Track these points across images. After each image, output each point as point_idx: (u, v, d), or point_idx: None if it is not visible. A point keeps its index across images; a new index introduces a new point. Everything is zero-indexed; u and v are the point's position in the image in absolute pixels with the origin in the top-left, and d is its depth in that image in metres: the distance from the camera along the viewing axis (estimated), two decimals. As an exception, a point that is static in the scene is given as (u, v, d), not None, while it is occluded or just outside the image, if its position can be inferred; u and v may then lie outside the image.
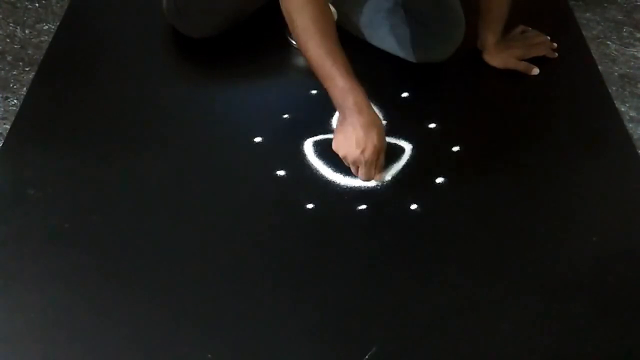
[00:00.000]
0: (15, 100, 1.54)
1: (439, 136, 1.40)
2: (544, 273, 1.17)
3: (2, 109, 1.52)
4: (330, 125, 1.39)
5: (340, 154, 1.26)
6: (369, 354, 1.05)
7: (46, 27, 1.75)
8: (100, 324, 1.09)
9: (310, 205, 1.26)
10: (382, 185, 1.28)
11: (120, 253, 1.19)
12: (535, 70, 1.51)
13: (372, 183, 1.28)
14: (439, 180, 1.30)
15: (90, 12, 1.72)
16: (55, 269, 1.16)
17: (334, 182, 1.29)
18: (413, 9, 1.48)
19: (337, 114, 1.37)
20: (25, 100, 1.48)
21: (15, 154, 1.36)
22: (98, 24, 1.68)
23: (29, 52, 1.68)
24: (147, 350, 1.06)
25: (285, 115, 1.43)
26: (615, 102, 1.51)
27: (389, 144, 1.30)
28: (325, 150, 1.33)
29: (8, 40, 1.72)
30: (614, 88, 1.56)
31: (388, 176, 1.30)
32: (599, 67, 1.58)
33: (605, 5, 1.82)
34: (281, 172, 1.31)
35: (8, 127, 1.43)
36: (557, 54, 1.55)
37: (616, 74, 1.62)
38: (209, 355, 1.05)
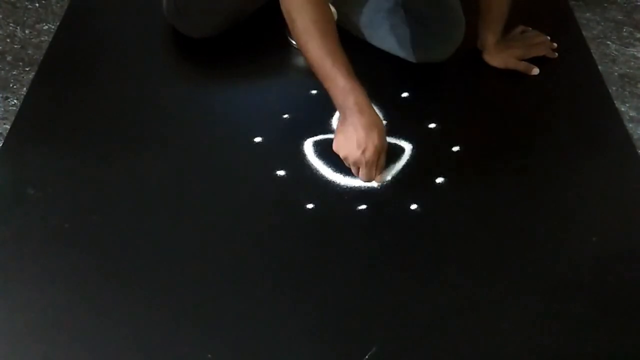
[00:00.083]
0: (15, 100, 1.54)
1: (439, 136, 1.40)
2: (544, 273, 1.17)
3: (2, 109, 1.52)
4: (330, 125, 1.39)
5: (341, 154, 1.26)
6: (369, 354, 1.05)
7: (46, 27, 1.75)
8: (100, 324, 1.09)
9: (310, 205, 1.26)
10: (382, 185, 1.28)
11: (120, 253, 1.19)
12: (535, 70, 1.51)
13: (372, 183, 1.28)
14: (439, 180, 1.30)
15: (90, 12, 1.72)
16: (55, 269, 1.17)
17: (334, 182, 1.29)
18: (413, 9, 1.48)
19: (337, 114, 1.37)
20: (25, 100, 1.48)
21: (15, 154, 1.36)
22: (98, 24, 1.68)
23: (29, 52, 1.68)
24: (147, 350, 1.06)
25: (285, 115, 1.43)
26: (615, 102, 1.51)
27: (389, 144, 1.30)
28: (325, 150, 1.33)
29: (8, 40, 1.72)
30: (614, 88, 1.56)
31: (388, 176, 1.30)
32: (599, 67, 1.58)
33: (605, 5, 1.83)
34: (281, 172, 1.31)
35: (8, 127, 1.43)
36: (557, 54, 1.55)
37: (616, 74, 1.62)
38: (209, 355, 1.05)
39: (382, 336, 1.08)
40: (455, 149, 1.37)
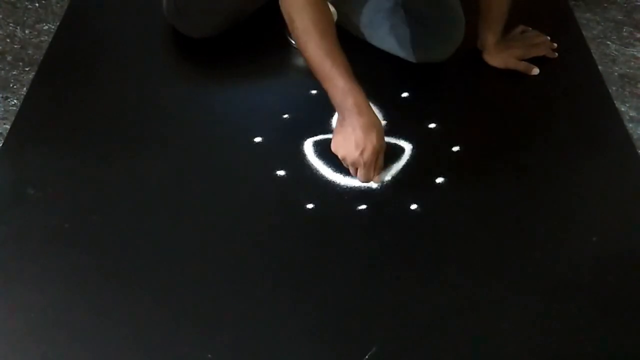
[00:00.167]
0: (15, 100, 1.54)
1: (439, 136, 1.40)
2: (544, 273, 1.17)
3: (2, 109, 1.52)
4: (330, 125, 1.39)
5: (339, 154, 1.26)
6: (369, 354, 1.05)
7: (46, 27, 1.75)
8: (100, 324, 1.09)
9: (310, 205, 1.26)
10: (382, 185, 1.28)
11: (120, 253, 1.19)
12: (535, 70, 1.51)
13: (371, 184, 1.28)
14: (439, 180, 1.30)
15: (90, 12, 1.72)
16: (55, 269, 1.17)
17: (334, 182, 1.29)
18: (413, 9, 1.48)
19: (337, 114, 1.37)
20: (25, 100, 1.48)
21: (15, 154, 1.36)
22: (98, 24, 1.68)
23: (29, 52, 1.68)
24: (147, 350, 1.06)
25: (285, 115, 1.43)
26: (615, 102, 1.50)
27: (389, 144, 1.30)
28: (325, 150, 1.33)
29: (8, 40, 1.72)
30: (614, 88, 1.56)
31: (388, 176, 1.30)
32: (599, 67, 1.58)
33: (605, 5, 1.82)
34: (281, 172, 1.31)
35: (8, 127, 1.43)
36: (557, 54, 1.55)
37: (616, 74, 1.62)
38: (209, 355, 1.05)
39: (382, 336, 1.08)
40: (455, 149, 1.37)
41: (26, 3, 1.84)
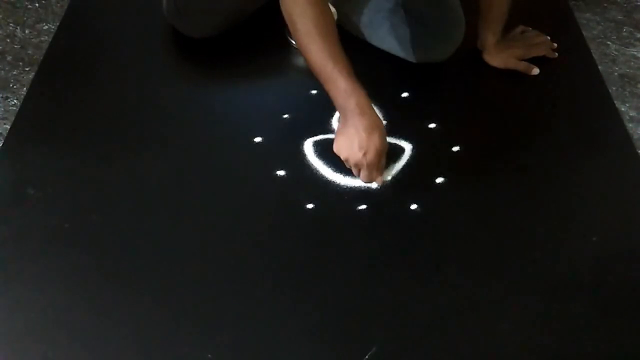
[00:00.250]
0: (15, 100, 1.54)
1: (439, 136, 1.40)
2: (544, 273, 1.17)
3: (2, 109, 1.52)
4: (330, 125, 1.39)
5: (342, 156, 1.26)
6: (369, 354, 1.05)
7: (46, 27, 1.75)
8: (100, 324, 1.09)
9: (310, 205, 1.26)
10: (382, 186, 1.28)
11: (120, 253, 1.19)
12: (535, 70, 1.51)
13: (372, 184, 1.28)
14: (439, 180, 1.30)
15: (90, 12, 1.72)
16: (55, 269, 1.17)
17: (334, 182, 1.29)
18: (413, 9, 1.48)
19: (337, 114, 1.37)
20: (25, 100, 1.48)
21: (15, 154, 1.36)
22: (98, 24, 1.68)
23: (29, 52, 1.68)
24: (147, 350, 1.06)
25: (285, 115, 1.43)
26: (615, 102, 1.50)
27: (389, 144, 1.30)
28: (325, 150, 1.33)
29: (8, 40, 1.72)
30: (614, 88, 1.56)
31: (388, 176, 1.30)
32: (599, 67, 1.58)
33: (605, 5, 1.83)
34: (281, 172, 1.31)
35: (8, 127, 1.43)
36: (557, 54, 1.55)
37: (616, 74, 1.62)
38: (209, 355, 1.05)
39: (382, 336, 1.08)
40: (455, 149, 1.37)
41: (26, 3, 1.84)
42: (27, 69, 1.63)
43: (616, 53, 1.68)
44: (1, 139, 1.42)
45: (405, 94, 1.48)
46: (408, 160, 1.34)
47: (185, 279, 1.15)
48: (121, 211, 1.25)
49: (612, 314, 1.12)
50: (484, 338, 1.08)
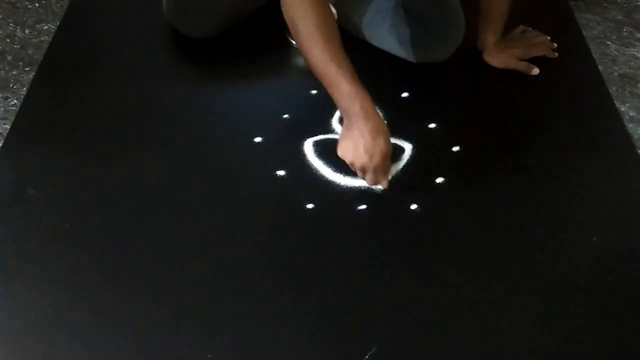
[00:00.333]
0: (15, 100, 1.54)
1: (439, 136, 1.40)
2: (544, 273, 1.17)
3: (2, 109, 1.52)
4: (330, 125, 1.39)
5: (347, 160, 1.24)
6: (369, 354, 1.05)
7: (46, 27, 1.75)
8: (100, 324, 1.09)
9: (310, 205, 1.26)
10: (387, 188, 1.27)
11: (120, 253, 1.19)
12: (535, 70, 1.51)
13: (377, 187, 1.27)
14: (439, 180, 1.30)
15: (90, 12, 1.72)
16: (55, 269, 1.17)
17: (334, 182, 1.29)
18: (413, 9, 1.48)
19: (337, 114, 1.37)
20: (25, 100, 1.48)
21: (15, 154, 1.36)
22: (98, 24, 1.68)
23: (29, 52, 1.68)
24: (147, 350, 1.06)
25: (285, 115, 1.43)
26: (615, 102, 1.50)
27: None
28: (325, 150, 1.33)
29: (8, 40, 1.72)
30: (614, 88, 1.56)
31: (388, 176, 1.30)
32: (599, 67, 1.58)
33: (605, 5, 1.82)
34: (281, 172, 1.31)
35: (8, 127, 1.43)
36: (557, 54, 1.55)
37: (616, 74, 1.62)
38: (209, 355, 1.05)
39: (382, 336, 1.08)
40: (455, 149, 1.37)
41: (26, 3, 1.84)
42: (27, 69, 1.63)
43: (616, 53, 1.68)
44: (1, 139, 1.42)
45: (405, 94, 1.48)
46: (408, 160, 1.34)
47: (185, 279, 1.15)
48: (121, 211, 1.25)
49: (612, 314, 1.12)
50: (484, 338, 1.08)
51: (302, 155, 1.34)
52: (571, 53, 1.58)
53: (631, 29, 1.75)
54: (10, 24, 1.77)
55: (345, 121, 1.25)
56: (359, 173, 1.25)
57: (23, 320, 1.10)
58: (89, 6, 1.74)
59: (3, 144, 1.39)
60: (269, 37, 1.59)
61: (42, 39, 1.71)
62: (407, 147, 1.36)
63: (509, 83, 1.52)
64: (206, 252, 1.19)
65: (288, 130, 1.40)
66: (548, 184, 1.32)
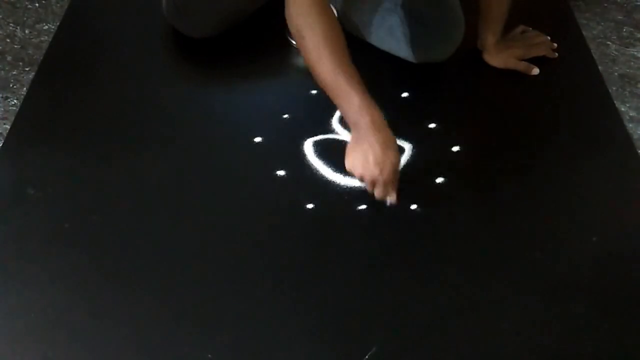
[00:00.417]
0: (15, 100, 1.54)
1: (439, 136, 1.40)
2: (544, 273, 1.17)
3: (2, 109, 1.52)
4: (331, 125, 1.39)
5: (357, 173, 1.21)
6: (369, 354, 1.05)
7: (46, 27, 1.75)
8: (100, 324, 1.09)
9: (310, 205, 1.26)
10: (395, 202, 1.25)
11: (120, 253, 1.19)
12: (535, 70, 1.51)
13: (387, 200, 1.24)
14: (439, 180, 1.30)
15: (90, 12, 1.72)
16: (55, 269, 1.17)
17: (334, 182, 1.29)
18: (413, 9, 1.48)
19: (337, 114, 1.37)
20: (25, 100, 1.48)
21: (15, 154, 1.36)
22: (98, 24, 1.68)
23: (29, 52, 1.68)
24: (147, 350, 1.06)
25: (285, 115, 1.43)
26: (615, 102, 1.50)
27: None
28: (325, 150, 1.33)
29: (8, 40, 1.72)
30: (614, 88, 1.56)
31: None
32: (599, 67, 1.58)
33: (605, 5, 1.82)
34: (281, 172, 1.31)
35: (8, 127, 1.43)
36: (557, 54, 1.55)
37: (616, 74, 1.62)
38: (209, 355, 1.05)
39: (382, 336, 1.08)
40: (455, 149, 1.36)
41: (26, 3, 1.84)
42: (27, 69, 1.63)
43: (616, 53, 1.68)
44: (1, 139, 1.42)
45: (405, 94, 1.48)
46: (408, 160, 1.34)
47: (185, 279, 1.15)
48: (121, 211, 1.25)
49: (612, 314, 1.12)
50: (484, 338, 1.08)
51: (302, 155, 1.34)
52: (571, 53, 1.58)
53: (631, 29, 1.75)
54: (10, 24, 1.77)
55: (353, 133, 1.22)
56: (368, 186, 1.22)
57: (23, 320, 1.10)
58: (89, 6, 1.74)
59: (3, 144, 1.39)
60: (269, 37, 1.59)
61: (42, 39, 1.71)
62: (407, 147, 1.36)
63: (509, 83, 1.52)
64: (206, 252, 1.19)
65: (288, 130, 1.40)
66: (548, 184, 1.32)
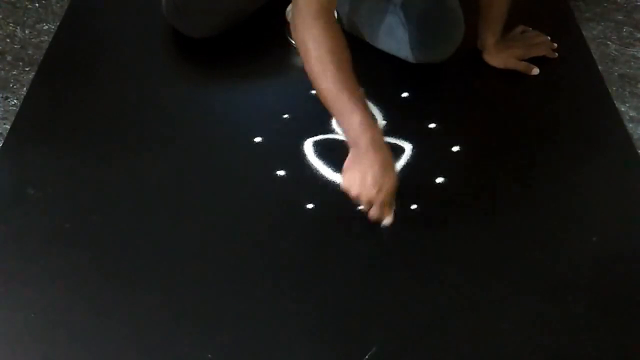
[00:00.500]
0: (15, 100, 1.54)
1: (439, 136, 1.40)
2: (544, 273, 1.17)
3: (2, 109, 1.52)
4: (330, 125, 1.39)
5: (353, 192, 1.17)
6: (369, 354, 1.05)
7: (46, 27, 1.75)
8: (100, 324, 1.09)
9: (310, 205, 1.26)
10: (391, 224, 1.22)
11: (120, 253, 1.19)
12: (535, 70, 1.51)
13: (383, 222, 1.22)
14: (439, 180, 1.30)
15: (90, 12, 1.72)
16: (55, 269, 1.17)
17: (334, 182, 1.29)
18: (413, 9, 1.47)
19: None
20: (25, 100, 1.48)
21: (15, 154, 1.36)
22: (98, 24, 1.68)
23: (29, 52, 1.68)
24: (147, 350, 1.06)
25: (285, 115, 1.43)
26: (615, 102, 1.50)
27: (389, 144, 1.29)
28: (325, 150, 1.33)
29: (8, 40, 1.72)
30: (614, 88, 1.56)
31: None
32: (599, 67, 1.58)
33: (605, 5, 1.82)
34: (281, 172, 1.31)
35: (8, 127, 1.43)
36: (557, 54, 1.55)
37: (616, 74, 1.61)
38: (209, 355, 1.05)
39: (382, 336, 1.08)
40: (455, 149, 1.36)
41: (26, 3, 1.84)
42: (27, 69, 1.62)
43: (616, 53, 1.68)
44: (1, 139, 1.42)
45: (405, 94, 1.48)
46: (408, 160, 1.34)
47: (185, 279, 1.15)
48: (121, 211, 1.25)
49: (612, 314, 1.12)
50: (484, 338, 1.08)
51: (302, 155, 1.34)
52: (571, 53, 1.58)
53: (631, 29, 1.75)
54: (10, 24, 1.77)
55: (352, 151, 1.18)
56: (363, 206, 1.19)
57: (23, 320, 1.10)
58: (89, 6, 1.74)
59: (3, 144, 1.39)
60: (269, 37, 1.59)
61: (42, 39, 1.71)
62: (407, 147, 1.36)
63: (509, 83, 1.52)
64: (206, 252, 1.19)
65: (288, 130, 1.40)
66: (548, 184, 1.32)
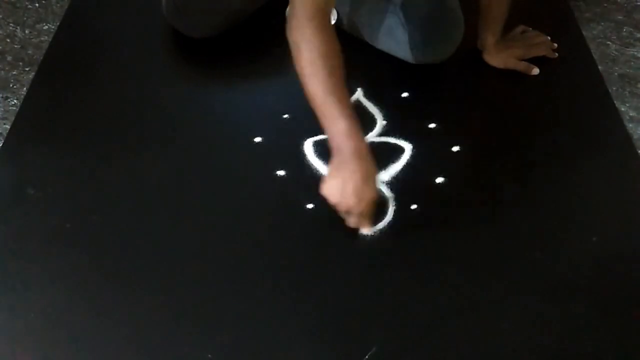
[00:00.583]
0: (15, 100, 1.54)
1: (439, 136, 1.40)
2: (544, 273, 1.17)
3: (2, 109, 1.52)
4: (330, 125, 1.39)
5: (332, 200, 1.16)
6: (369, 354, 1.05)
7: (46, 27, 1.75)
8: (100, 324, 1.09)
9: (310, 205, 1.26)
10: (371, 233, 1.22)
11: (120, 253, 1.19)
12: (535, 70, 1.51)
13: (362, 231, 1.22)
14: (439, 180, 1.30)
15: (90, 12, 1.72)
16: (55, 269, 1.17)
17: (334, 182, 1.29)
18: (413, 9, 1.47)
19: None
20: (25, 100, 1.48)
21: (15, 154, 1.36)
22: (98, 24, 1.68)
23: (29, 52, 1.68)
24: (147, 350, 1.06)
25: (285, 115, 1.43)
26: (615, 102, 1.50)
27: (389, 144, 1.30)
28: (325, 150, 1.33)
29: (8, 40, 1.72)
30: (614, 88, 1.56)
31: (387, 177, 1.29)
32: (599, 67, 1.58)
33: (605, 5, 1.82)
34: (281, 172, 1.31)
35: (8, 127, 1.43)
36: (557, 54, 1.55)
37: (616, 74, 1.61)
38: (209, 355, 1.05)
39: (382, 336, 1.08)
40: (455, 149, 1.36)
41: (26, 3, 1.84)
42: (27, 69, 1.62)
43: (616, 53, 1.67)
44: (1, 139, 1.42)
45: (405, 94, 1.48)
46: (408, 160, 1.34)
47: (185, 279, 1.15)
48: (121, 211, 1.25)
49: (612, 314, 1.12)
50: (484, 338, 1.08)
51: (302, 155, 1.34)
52: (571, 53, 1.58)
53: (631, 29, 1.75)
54: (10, 24, 1.77)
55: (335, 158, 1.16)
56: (342, 214, 1.18)
57: (23, 320, 1.10)
58: (89, 6, 1.74)
59: (3, 144, 1.39)
60: (269, 37, 1.59)
61: (42, 39, 1.71)
62: (407, 147, 1.36)
63: (509, 83, 1.52)
64: (206, 252, 1.19)
65: (288, 130, 1.40)
66: (548, 184, 1.32)
